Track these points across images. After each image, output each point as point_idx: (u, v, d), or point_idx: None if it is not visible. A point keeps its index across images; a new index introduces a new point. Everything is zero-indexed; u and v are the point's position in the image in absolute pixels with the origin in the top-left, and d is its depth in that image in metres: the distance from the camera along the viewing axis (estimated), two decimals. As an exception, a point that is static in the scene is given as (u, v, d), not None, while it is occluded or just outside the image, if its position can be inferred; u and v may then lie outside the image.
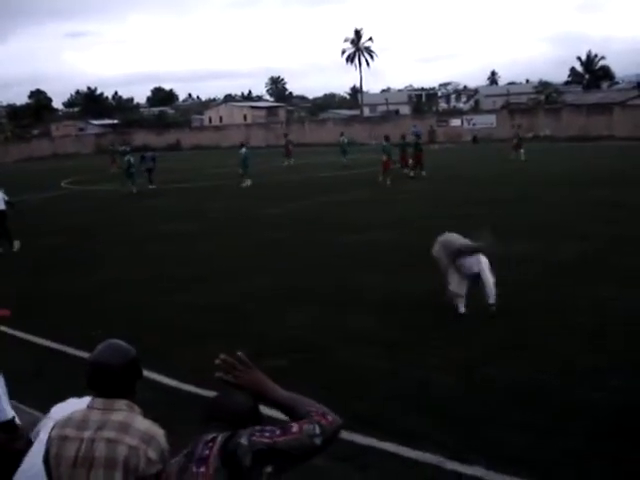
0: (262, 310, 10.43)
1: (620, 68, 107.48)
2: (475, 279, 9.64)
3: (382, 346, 8.51)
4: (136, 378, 3.07)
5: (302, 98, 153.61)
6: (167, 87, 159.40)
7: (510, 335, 8.74)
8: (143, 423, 2.91)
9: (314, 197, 25.09)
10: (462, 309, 9.74)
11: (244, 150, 32.10)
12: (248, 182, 30.70)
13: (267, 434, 2.57)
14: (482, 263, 9.52)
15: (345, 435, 6.07)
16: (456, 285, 9.73)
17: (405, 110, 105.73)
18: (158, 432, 2.92)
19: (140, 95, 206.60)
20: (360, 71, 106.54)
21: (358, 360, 8.05)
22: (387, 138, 31.63)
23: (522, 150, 38.07)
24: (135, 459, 2.78)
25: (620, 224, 16.27)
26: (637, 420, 6.19)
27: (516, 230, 15.58)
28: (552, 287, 10.97)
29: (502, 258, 10.79)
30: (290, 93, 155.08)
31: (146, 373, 4.33)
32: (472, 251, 9.57)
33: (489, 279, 9.51)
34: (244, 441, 2.57)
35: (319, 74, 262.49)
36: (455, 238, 9.99)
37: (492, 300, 9.55)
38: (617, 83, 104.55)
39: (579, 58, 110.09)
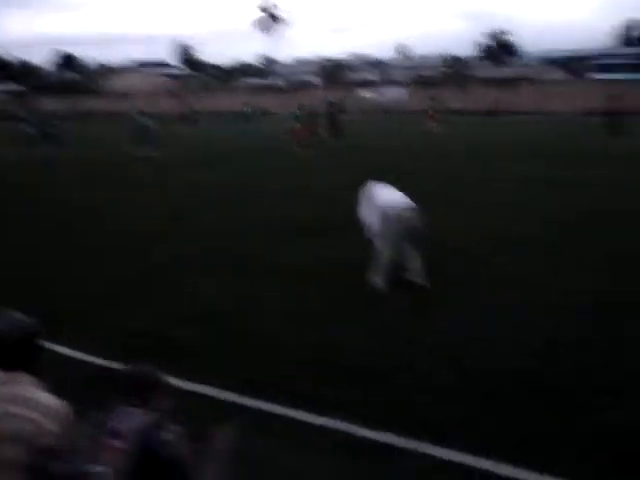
0: (170, 279, 10.18)
1: (527, 44, 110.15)
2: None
3: (291, 316, 8.42)
4: (35, 352, 3.04)
5: (213, 66, 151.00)
6: (73, 51, 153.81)
7: (423, 303, 8.79)
8: (43, 396, 2.90)
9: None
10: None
11: (141, 117, 31.22)
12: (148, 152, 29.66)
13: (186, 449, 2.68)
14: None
15: (252, 403, 6.01)
16: None
17: (317, 80, 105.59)
18: (59, 404, 2.90)
19: (46, 60, 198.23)
20: (271, 40, 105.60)
21: (269, 329, 7.96)
22: (301, 107, 31.64)
23: (436, 123, 38.76)
24: (37, 432, 2.77)
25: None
26: (530, 381, 6.34)
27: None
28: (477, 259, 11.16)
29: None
30: (200, 60, 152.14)
31: (50, 344, 4.15)
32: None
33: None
34: (167, 438, 2.65)
35: (230, 41, 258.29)
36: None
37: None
38: (524, 59, 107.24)
39: (488, 33, 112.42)
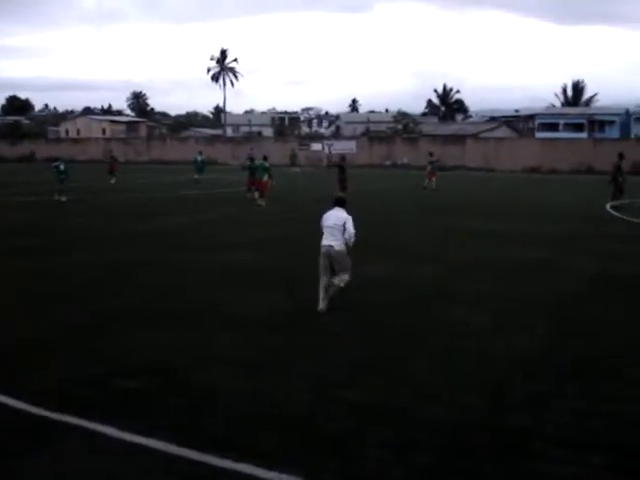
0: (116, 329, 10.05)
1: (473, 103, 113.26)
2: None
3: (239, 366, 8.40)
4: None
5: (164, 115, 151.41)
6: (23, 96, 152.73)
7: (365, 354, 8.88)
8: None
9: (167, 217, 24.68)
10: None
11: (58, 163, 31.51)
12: (63, 198, 30.08)
13: None
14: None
15: (199, 457, 5.95)
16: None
17: (268, 132, 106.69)
18: None
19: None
20: (224, 91, 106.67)
21: (214, 380, 7.91)
22: (266, 158, 31.02)
23: (434, 179, 38.90)
24: None
25: (469, 249, 17.07)
26: (483, 436, 6.42)
27: (371, 252, 15.95)
28: (407, 309, 11.31)
29: (357, 279, 11.12)
30: (152, 109, 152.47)
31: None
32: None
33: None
34: None
35: (182, 91, 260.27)
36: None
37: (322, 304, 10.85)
38: (470, 116, 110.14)
39: (435, 90, 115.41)
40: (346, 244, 10.90)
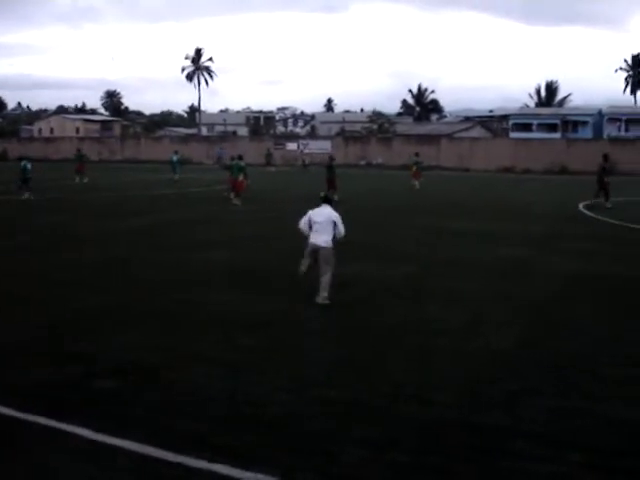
0: (93, 329, 9.94)
1: (448, 103, 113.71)
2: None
3: (217, 365, 8.36)
4: None
5: (138, 114, 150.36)
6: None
7: (343, 353, 8.89)
8: None
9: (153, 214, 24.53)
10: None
11: (24, 163, 31.52)
12: (26, 195, 30.19)
13: None
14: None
15: (174, 457, 5.89)
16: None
17: (243, 132, 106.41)
18: None
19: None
20: (199, 90, 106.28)
21: (192, 379, 7.85)
22: (240, 157, 30.97)
23: (421, 179, 38.92)
24: None
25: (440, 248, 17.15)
26: (458, 435, 6.43)
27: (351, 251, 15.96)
28: (384, 307, 11.33)
29: (336, 277, 11.16)
30: (126, 108, 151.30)
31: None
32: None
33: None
34: None
35: (157, 90, 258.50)
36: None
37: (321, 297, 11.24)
38: (445, 116, 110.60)
39: (410, 91, 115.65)
40: (333, 240, 11.52)
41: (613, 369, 8.40)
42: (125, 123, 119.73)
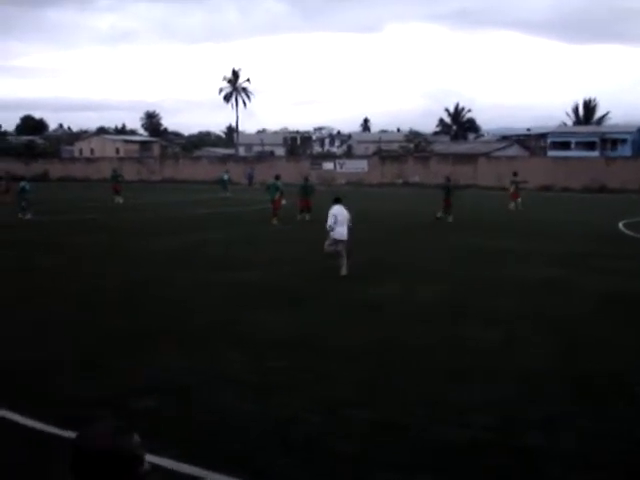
0: (127, 349, 10.05)
1: (485, 121, 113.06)
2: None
3: (248, 386, 8.38)
4: None
5: (177, 134, 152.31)
6: (37, 116, 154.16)
7: (374, 373, 8.84)
8: None
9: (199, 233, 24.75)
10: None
11: (23, 183, 32.48)
12: (28, 215, 30.93)
13: None
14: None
15: (215, 477, 5.92)
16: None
17: (280, 152, 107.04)
18: None
19: (9, 123, 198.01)
20: (237, 111, 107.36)
21: (228, 401, 7.88)
22: (278, 177, 31.06)
23: (519, 199, 36.71)
24: None
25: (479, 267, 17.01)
26: (495, 458, 6.36)
27: (386, 271, 15.96)
28: (418, 326, 11.26)
29: (371, 297, 11.10)
30: (165, 129, 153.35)
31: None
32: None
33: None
34: None
35: (195, 111, 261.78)
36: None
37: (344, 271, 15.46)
38: (482, 135, 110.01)
39: (447, 109, 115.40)
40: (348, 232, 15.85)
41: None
42: (164, 144, 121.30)
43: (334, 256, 15.98)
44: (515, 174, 38.49)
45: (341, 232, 15.57)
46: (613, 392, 8.21)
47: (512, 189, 37.72)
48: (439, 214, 29.88)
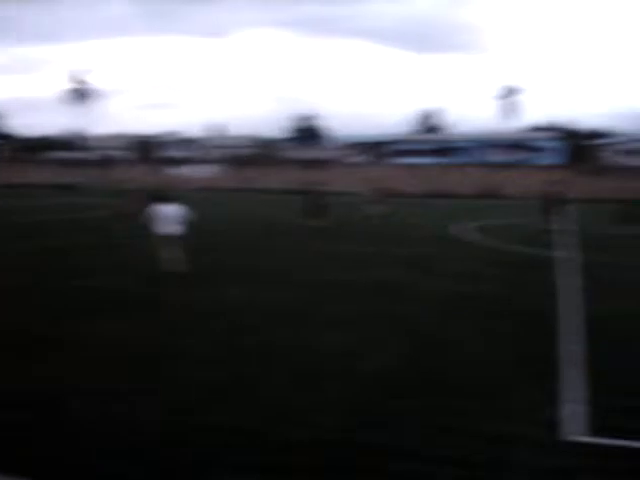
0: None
1: (334, 129, 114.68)
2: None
3: (101, 394, 8.22)
4: None
5: (17, 137, 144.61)
6: None
7: (224, 377, 8.88)
8: None
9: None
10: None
11: None
12: None
13: None
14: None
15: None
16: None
17: (128, 156, 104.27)
18: None
19: None
20: (82, 113, 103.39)
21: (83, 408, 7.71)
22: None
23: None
24: None
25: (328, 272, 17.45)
26: (338, 453, 6.65)
27: (234, 276, 16.00)
28: (267, 330, 11.42)
29: (216, 302, 11.10)
30: (6, 131, 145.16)
31: None
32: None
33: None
34: None
35: (37, 112, 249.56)
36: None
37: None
38: (331, 142, 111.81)
39: (296, 116, 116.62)
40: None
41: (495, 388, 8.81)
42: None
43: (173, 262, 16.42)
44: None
45: (169, 228, 16.59)
46: (454, 389, 8.62)
47: (376, 195, 36.67)
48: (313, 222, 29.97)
